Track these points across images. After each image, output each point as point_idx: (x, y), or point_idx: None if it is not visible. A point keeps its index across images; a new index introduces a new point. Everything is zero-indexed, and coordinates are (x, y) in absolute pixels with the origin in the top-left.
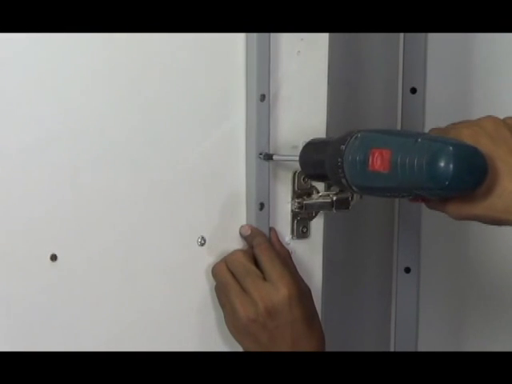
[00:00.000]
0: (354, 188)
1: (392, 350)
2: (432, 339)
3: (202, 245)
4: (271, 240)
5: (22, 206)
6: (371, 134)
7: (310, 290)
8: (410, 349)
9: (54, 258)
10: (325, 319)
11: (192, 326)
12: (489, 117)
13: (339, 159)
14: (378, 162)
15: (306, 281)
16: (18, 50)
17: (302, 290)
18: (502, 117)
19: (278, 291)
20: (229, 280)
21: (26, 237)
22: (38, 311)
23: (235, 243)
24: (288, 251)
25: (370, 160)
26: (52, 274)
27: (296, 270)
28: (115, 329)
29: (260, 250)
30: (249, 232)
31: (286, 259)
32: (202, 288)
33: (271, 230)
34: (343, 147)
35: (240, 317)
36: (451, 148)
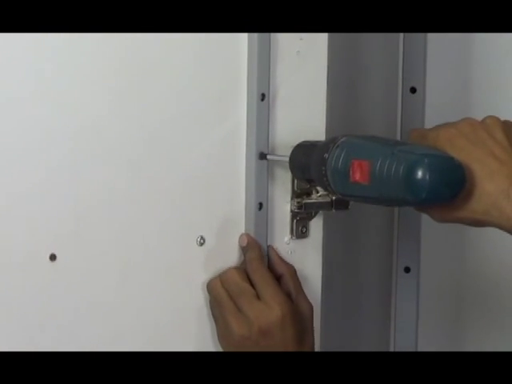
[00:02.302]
0: (339, 195)
1: (392, 350)
2: (432, 339)
3: (202, 244)
4: (272, 261)
5: (21, 206)
6: (352, 142)
7: (311, 308)
8: (410, 349)
9: (53, 257)
10: (324, 319)
11: (191, 326)
12: (466, 119)
13: (323, 168)
14: (358, 173)
15: (305, 281)
16: (18, 50)
17: (296, 309)
18: (500, 117)
19: (272, 311)
20: (223, 298)
21: (25, 237)
22: (37, 311)
23: (234, 243)
24: (293, 268)
25: (351, 171)
26: (51, 273)
27: (300, 287)
28: (114, 328)
29: (252, 269)
30: (245, 243)
31: (292, 276)
32: (201, 287)
33: (269, 248)
34: (326, 155)
35: (233, 334)
36: (427, 160)
